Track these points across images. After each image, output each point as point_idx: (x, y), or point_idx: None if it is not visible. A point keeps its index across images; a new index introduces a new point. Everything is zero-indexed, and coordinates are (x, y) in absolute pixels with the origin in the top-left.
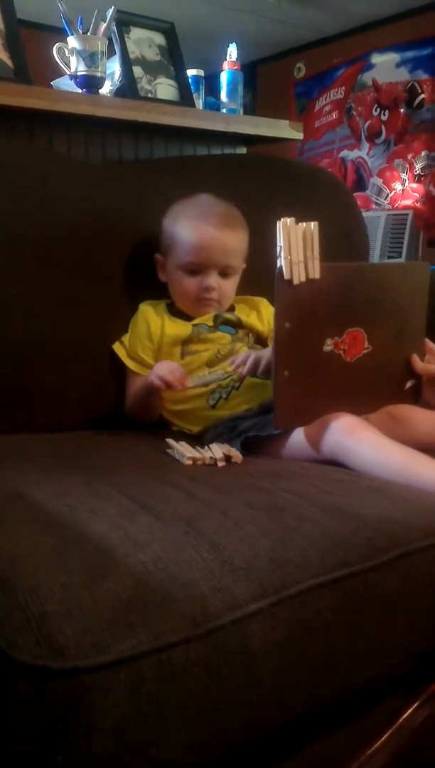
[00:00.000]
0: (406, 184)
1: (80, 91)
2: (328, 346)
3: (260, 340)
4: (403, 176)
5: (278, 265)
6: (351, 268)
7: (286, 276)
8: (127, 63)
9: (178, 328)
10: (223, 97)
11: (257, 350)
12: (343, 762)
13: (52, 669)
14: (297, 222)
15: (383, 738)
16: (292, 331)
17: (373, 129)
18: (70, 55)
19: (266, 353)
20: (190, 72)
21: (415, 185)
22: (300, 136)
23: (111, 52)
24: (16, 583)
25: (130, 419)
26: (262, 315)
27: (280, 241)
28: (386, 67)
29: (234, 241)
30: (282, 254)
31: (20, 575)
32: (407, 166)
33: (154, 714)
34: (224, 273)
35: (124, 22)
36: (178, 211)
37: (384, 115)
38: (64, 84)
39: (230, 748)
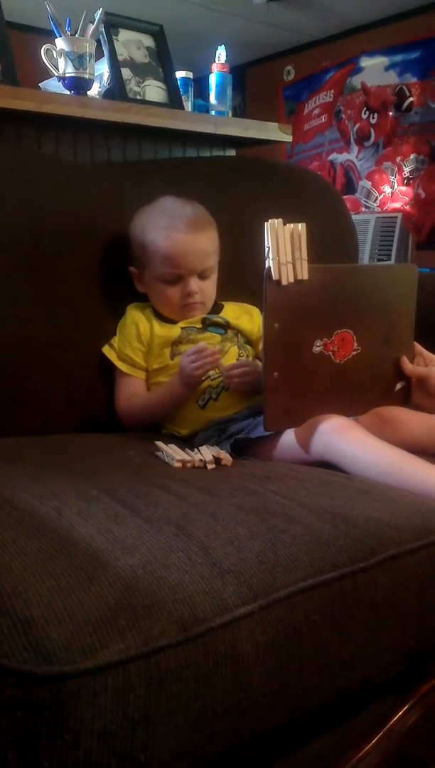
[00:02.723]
0: (395, 187)
1: (68, 92)
2: (318, 347)
3: (249, 342)
4: (392, 179)
5: (266, 265)
6: (339, 269)
7: (275, 277)
8: (115, 65)
9: (166, 330)
10: (212, 99)
11: (256, 365)
12: (334, 765)
13: (39, 674)
14: (285, 223)
15: (374, 740)
16: (281, 331)
17: (362, 132)
18: (58, 57)
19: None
20: (179, 74)
21: (404, 188)
22: (289, 138)
23: (99, 54)
24: (1, 588)
25: (125, 422)
26: (253, 318)
27: (268, 242)
28: (375, 70)
29: (206, 243)
30: (270, 255)
31: (6, 579)
32: (396, 169)
33: (143, 719)
34: (202, 275)
35: (113, 23)
36: (144, 220)
37: (373, 118)
38: (52, 86)
39: (220, 752)
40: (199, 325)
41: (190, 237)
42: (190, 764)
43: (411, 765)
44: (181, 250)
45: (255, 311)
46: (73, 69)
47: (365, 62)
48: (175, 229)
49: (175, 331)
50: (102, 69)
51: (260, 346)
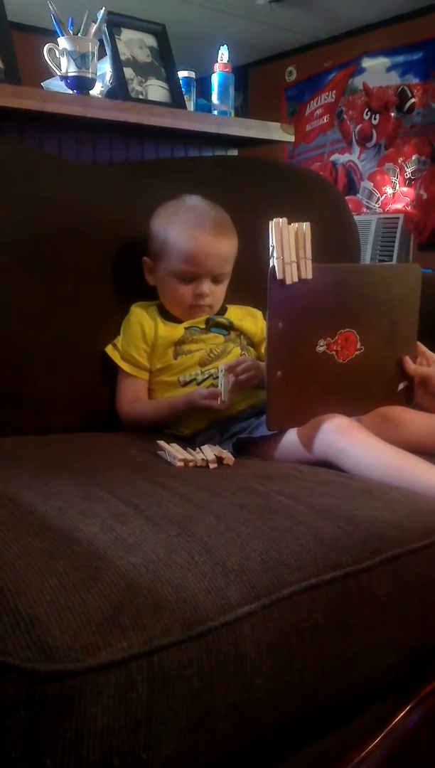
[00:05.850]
0: (397, 187)
1: (71, 92)
2: (321, 346)
3: (252, 344)
4: (393, 180)
5: (271, 265)
6: (343, 269)
7: (279, 276)
8: (117, 64)
9: (170, 330)
10: (214, 99)
11: (255, 360)
12: (336, 765)
13: (42, 672)
14: (289, 222)
15: (376, 740)
16: (284, 331)
17: (364, 133)
18: (60, 56)
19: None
20: (182, 74)
21: (405, 189)
22: (291, 138)
23: (102, 54)
24: (4, 586)
25: (125, 425)
26: (257, 320)
27: (273, 241)
28: (377, 71)
29: (228, 248)
30: (274, 254)
31: (9, 578)
32: (398, 169)
33: (145, 718)
34: (217, 279)
35: (115, 23)
36: (169, 215)
37: (375, 119)
38: (55, 85)
39: (222, 751)
40: (203, 326)
41: (214, 239)
42: (193, 763)
43: (412, 765)
44: (204, 251)
45: (259, 314)
46: (76, 68)
47: (367, 63)
48: (201, 229)
49: (178, 330)
50: (104, 68)
51: (264, 347)
